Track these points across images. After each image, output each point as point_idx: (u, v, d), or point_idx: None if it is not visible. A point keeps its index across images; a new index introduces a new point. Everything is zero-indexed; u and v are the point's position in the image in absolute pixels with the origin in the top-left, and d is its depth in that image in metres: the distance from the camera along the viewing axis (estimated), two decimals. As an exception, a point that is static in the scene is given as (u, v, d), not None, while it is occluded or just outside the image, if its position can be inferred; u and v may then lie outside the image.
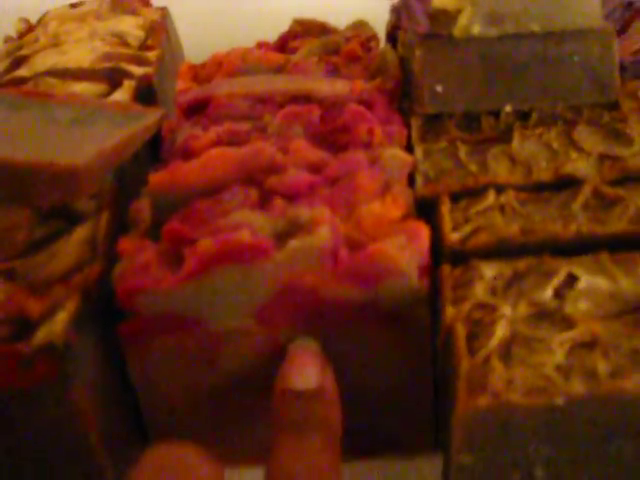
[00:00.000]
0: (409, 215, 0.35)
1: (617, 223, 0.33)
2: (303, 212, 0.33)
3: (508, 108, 0.39)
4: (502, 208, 0.35)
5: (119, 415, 0.36)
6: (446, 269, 0.32)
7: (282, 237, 0.32)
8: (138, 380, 0.35)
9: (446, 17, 0.37)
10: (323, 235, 0.31)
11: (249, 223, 0.32)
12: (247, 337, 0.34)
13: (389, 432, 0.36)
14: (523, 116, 0.39)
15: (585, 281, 0.31)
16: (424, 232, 0.32)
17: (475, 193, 0.35)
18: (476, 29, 0.37)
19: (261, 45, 0.46)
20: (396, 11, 0.44)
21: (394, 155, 0.36)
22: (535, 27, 0.37)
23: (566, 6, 0.38)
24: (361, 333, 0.33)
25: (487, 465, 0.28)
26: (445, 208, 0.35)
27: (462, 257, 0.33)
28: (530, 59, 0.38)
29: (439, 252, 0.34)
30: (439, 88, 0.39)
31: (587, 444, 0.28)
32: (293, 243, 0.31)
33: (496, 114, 0.39)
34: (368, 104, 0.39)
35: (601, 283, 0.30)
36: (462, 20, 0.37)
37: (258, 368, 0.35)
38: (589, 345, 0.28)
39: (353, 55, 0.42)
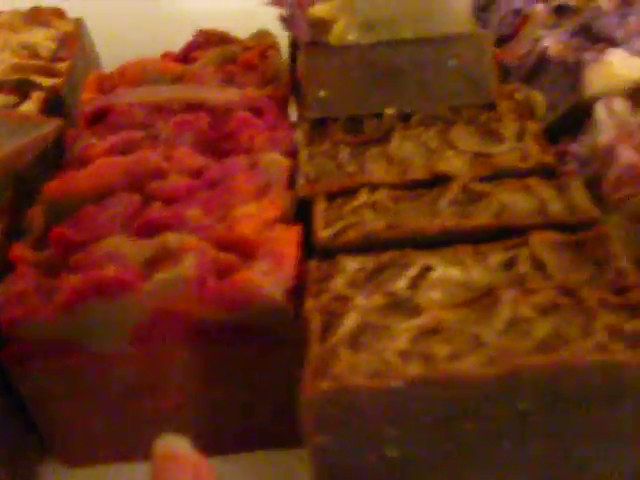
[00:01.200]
0: (286, 216, 0.37)
1: (481, 217, 0.35)
2: (172, 239, 0.34)
3: (389, 111, 0.41)
4: (374, 206, 0.36)
5: (14, 432, 0.37)
6: (313, 265, 0.34)
7: (151, 264, 0.33)
8: (28, 399, 0.36)
9: (324, 25, 0.39)
10: (189, 265, 0.33)
11: (118, 253, 0.33)
12: (126, 358, 0.35)
13: (264, 429, 0.38)
14: (405, 118, 0.41)
15: (439, 272, 0.32)
16: (290, 256, 0.34)
17: (350, 192, 0.37)
18: (351, 36, 0.39)
19: (165, 55, 0.48)
20: (284, 20, 0.46)
21: (273, 159, 0.38)
22: (407, 33, 0.39)
23: (438, 13, 0.40)
24: (234, 349, 0.34)
25: (343, 446, 0.30)
26: (319, 207, 0.36)
27: (333, 253, 0.35)
28: (407, 64, 0.40)
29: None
30: (322, 93, 0.40)
31: (431, 425, 0.29)
32: (159, 275, 0.33)
33: (380, 117, 0.41)
34: (258, 111, 0.41)
35: (454, 273, 0.32)
36: (338, 28, 0.39)
37: (142, 383, 0.36)
38: (433, 331, 0.30)
39: (249, 64, 0.44)
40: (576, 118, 0.40)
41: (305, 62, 0.40)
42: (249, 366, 0.34)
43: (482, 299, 0.31)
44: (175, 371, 0.35)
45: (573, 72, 0.41)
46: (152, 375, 0.35)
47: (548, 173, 0.38)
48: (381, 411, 0.29)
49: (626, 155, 0.36)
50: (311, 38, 0.40)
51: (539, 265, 0.32)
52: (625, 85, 0.41)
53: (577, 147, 0.39)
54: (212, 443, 0.30)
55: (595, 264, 0.32)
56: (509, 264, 0.33)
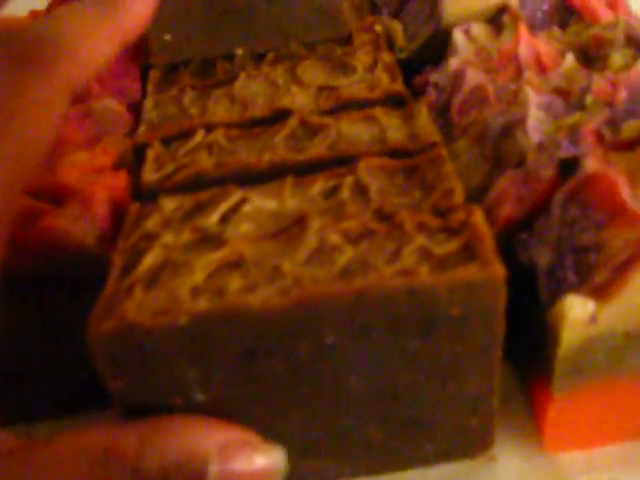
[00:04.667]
0: (123, 164, 0.35)
1: (314, 149, 0.33)
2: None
3: (240, 51, 0.39)
4: (210, 146, 0.35)
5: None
6: (133, 207, 0.32)
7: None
8: None
9: (158, -36, 0.37)
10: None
11: None
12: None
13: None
14: (259, 58, 0.39)
15: (253, 204, 0.30)
16: (102, 200, 0.32)
17: (187, 135, 0.36)
18: (185, -28, 0.37)
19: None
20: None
21: (106, 107, 0.36)
22: (247, -34, 0.37)
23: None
24: (52, 303, 0.33)
25: (144, 391, 0.28)
26: (151, 152, 0.34)
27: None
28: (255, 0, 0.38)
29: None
30: (168, 37, 0.39)
31: (232, 364, 0.27)
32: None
33: (232, 58, 0.40)
34: (105, 60, 0.40)
35: (269, 205, 0.30)
36: (171, -35, 0.37)
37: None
38: (233, 265, 0.28)
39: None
40: (437, 47, 0.38)
41: (147, 5, 0.38)
42: (69, 321, 0.33)
43: (290, 229, 0.29)
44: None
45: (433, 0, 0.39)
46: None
47: (398, 102, 0.36)
48: (177, 352, 0.27)
49: (473, 78, 0.34)
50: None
51: (362, 191, 0.30)
52: (484, 10, 0.38)
53: (436, 75, 0.37)
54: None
55: (424, 188, 0.31)
56: (331, 193, 0.31)
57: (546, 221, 0.29)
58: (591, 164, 0.29)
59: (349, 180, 0.31)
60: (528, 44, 0.34)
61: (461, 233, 0.28)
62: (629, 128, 0.30)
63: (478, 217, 0.28)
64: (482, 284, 0.26)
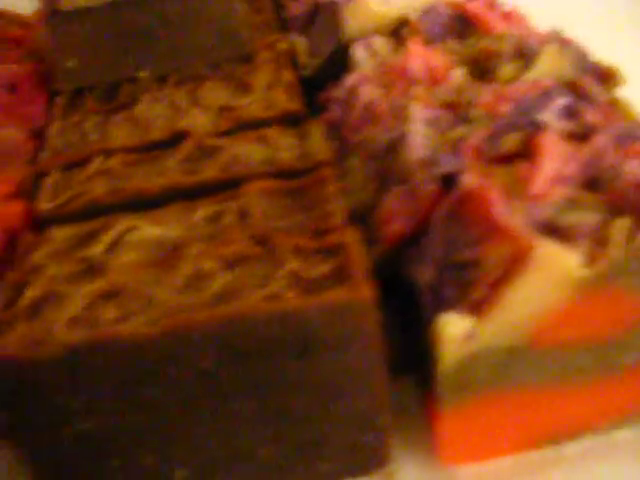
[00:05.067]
0: (25, 192, 0.35)
1: (207, 172, 0.33)
2: None
3: (142, 74, 0.39)
4: (107, 173, 0.35)
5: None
6: (24, 239, 0.32)
7: None
8: None
9: (56, -9, 0.37)
10: None
11: None
12: None
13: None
14: (162, 79, 0.40)
15: (139, 232, 0.30)
16: None
17: (86, 162, 0.36)
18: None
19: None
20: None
21: (7, 136, 0.36)
22: (143, -11, 0.37)
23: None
24: None
25: (29, 421, 0.28)
26: (48, 180, 0.34)
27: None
28: (155, 22, 0.38)
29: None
30: (70, 63, 0.39)
31: (113, 393, 0.27)
32: None
33: (136, 81, 0.40)
34: (12, 87, 0.40)
35: (154, 232, 0.30)
36: (67, -8, 0.37)
37: None
38: (111, 295, 0.28)
39: (14, 39, 0.43)
40: (340, 62, 0.38)
41: (48, 32, 0.38)
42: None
43: (169, 257, 0.29)
44: None
45: (334, 15, 0.39)
46: None
47: (295, 121, 0.36)
48: (56, 382, 0.27)
49: (366, 94, 0.34)
50: (47, 7, 0.38)
51: (244, 216, 0.30)
52: (386, 24, 0.38)
53: (338, 91, 0.37)
54: None
55: (307, 209, 0.31)
56: (214, 218, 0.31)
57: (428, 237, 0.30)
58: (467, 179, 0.29)
59: (233, 205, 0.31)
60: (419, 58, 0.34)
61: (335, 255, 0.28)
62: (508, 141, 0.30)
63: (353, 238, 0.28)
64: (350, 306, 0.26)
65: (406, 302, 0.30)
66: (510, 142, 0.29)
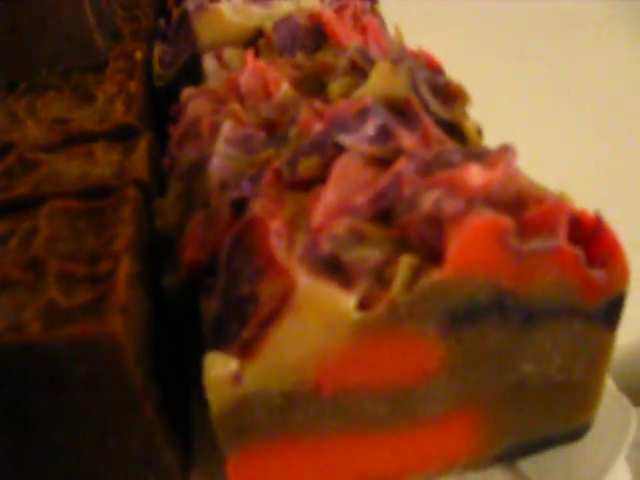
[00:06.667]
0: None
1: (20, 188, 0.32)
2: None
3: (-11, 82, 0.38)
4: None
5: None
6: None
7: None
8: None
9: None
10: None
11: None
12: None
13: None
14: (11, 87, 0.38)
15: None
16: None
17: None
18: None
19: None
20: None
21: None
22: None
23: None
24: None
25: None
26: None
27: None
28: (3, 28, 0.37)
29: None
30: None
31: None
32: None
33: (-15, 89, 0.38)
34: None
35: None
36: None
37: None
38: None
39: None
40: (194, 73, 0.36)
41: None
42: None
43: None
44: None
45: (188, 24, 0.37)
46: None
47: (128, 135, 0.34)
48: None
49: (193, 109, 0.32)
50: None
51: (30, 237, 0.29)
52: (241, 34, 0.36)
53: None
54: None
55: (98, 232, 0.29)
56: (2, 239, 0.29)
57: (217, 267, 0.27)
58: (254, 207, 0.26)
59: (25, 225, 0.29)
60: (252, 72, 0.32)
61: (101, 283, 0.26)
62: (305, 165, 0.27)
63: (123, 267, 0.26)
64: (100, 340, 0.24)
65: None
66: (307, 166, 0.27)
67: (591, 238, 0.26)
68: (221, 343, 0.26)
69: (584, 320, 0.27)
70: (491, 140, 0.31)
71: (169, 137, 0.34)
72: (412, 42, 0.35)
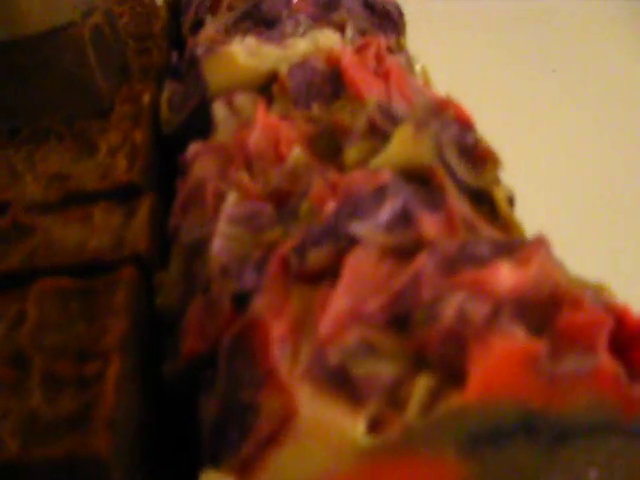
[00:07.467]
0: None
1: (11, 259, 0.29)
2: None
3: (-10, 129, 0.35)
4: None
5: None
6: None
7: None
8: None
9: None
10: None
11: None
12: None
13: None
14: (12, 134, 0.36)
15: None
16: None
17: None
18: None
19: None
20: None
21: None
22: (-4, 36, 0.33)
23: (30, 10, 0.34)
24: None
25: None
26: None
27: None
28: (4, 73, 0.34)
29: None
30: None
31: None
32: None
33: (-15, 135, 0.36)
34: None
35: None
36: None
37: None
38: None
39: None
40: (204, 120, 0.34)
41: None
42: None
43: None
44: None
45: (197, 66, 0.34)
46: None
47: (131, 194, 0.31)
48: None
49: (198, 169, 0.29)
50: None
51: (17, 323, 0.26)
52: (255, 78, 0.33)
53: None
54: None
55: (89, 320, 0.26)
56: (-10, 321, 0.27)
57: (217, 365, 0.25)
58: (257, 306, 0.24)
59: (15, 307, 0.27)
60: (262, 129, 0.29)
61: (89, 388, 0.24)
62: (313, 256, 0.24)
63: (112, 369, 0.24)
64: (83, 459, 0.22)
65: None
66: (315, 258, 0.24)
67: (635, 344, 0.23)
68: (219, 453, 0.24)
69: (624, 435, 0.24)
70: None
71: (176, 192, 0.32)
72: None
